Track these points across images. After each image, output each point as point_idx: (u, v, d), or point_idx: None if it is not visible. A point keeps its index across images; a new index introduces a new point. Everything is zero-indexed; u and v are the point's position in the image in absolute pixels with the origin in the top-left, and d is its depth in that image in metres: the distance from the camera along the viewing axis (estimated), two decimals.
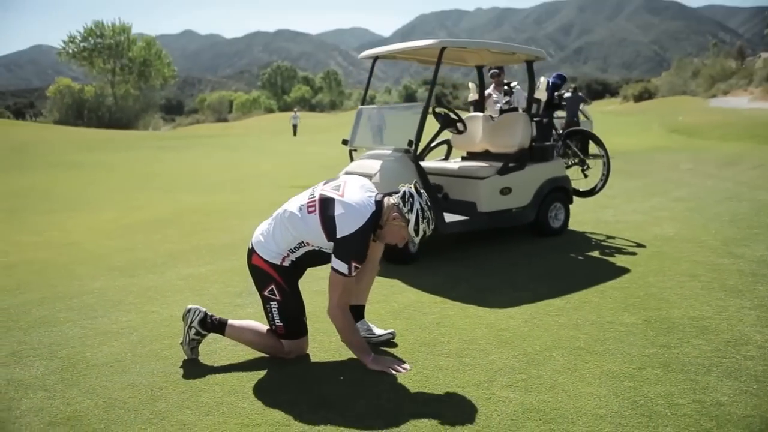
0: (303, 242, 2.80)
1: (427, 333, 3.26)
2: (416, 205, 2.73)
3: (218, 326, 2.93)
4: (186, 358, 2.93)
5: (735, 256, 4.66)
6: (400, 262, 4.64)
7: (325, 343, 3.13)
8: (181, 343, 2.96)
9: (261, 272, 2.87)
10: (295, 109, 40.93)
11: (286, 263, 2.85)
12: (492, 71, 7.61)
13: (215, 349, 3.05)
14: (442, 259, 4.89)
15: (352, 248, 2.67)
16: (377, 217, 2.75)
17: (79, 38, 49.84)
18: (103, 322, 3.51)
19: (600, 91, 77.44)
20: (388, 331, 3.16)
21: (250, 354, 2.99)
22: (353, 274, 2.70)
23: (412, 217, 2.72)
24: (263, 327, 2.99)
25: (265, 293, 2.87)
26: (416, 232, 2.75)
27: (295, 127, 32.76)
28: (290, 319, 2.86)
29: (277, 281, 2.83)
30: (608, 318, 3.40)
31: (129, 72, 51.22)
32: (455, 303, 3.76)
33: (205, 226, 6.54)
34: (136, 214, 7.37)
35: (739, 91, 47.18)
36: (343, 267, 2.67)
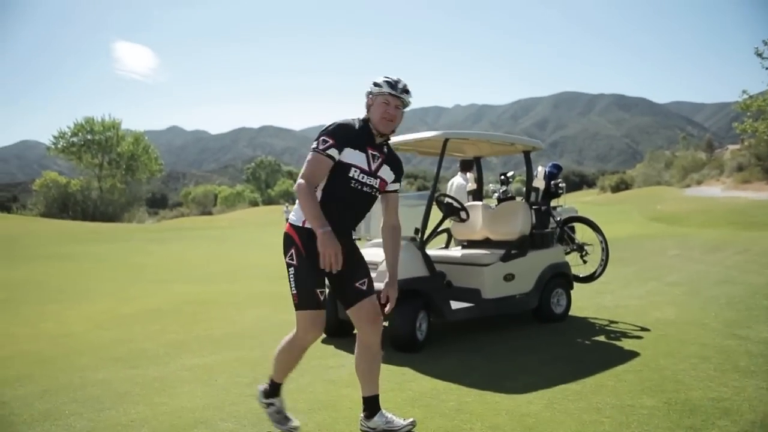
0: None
1: (448, 420, 3.21)
2: (372, 82, 3.03)
3: (272, 387, 3.13)
4: None
5: (740, 338, 4.71)
6: (409, 350, 4.60)
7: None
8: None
9: (287, 237, 3.02)
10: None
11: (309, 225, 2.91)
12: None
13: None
14: (449, 346, 4.85)
15: (326, 129, 2.93)
16: (365, 121, 3.02)
17: (69, 134, 50.65)
18: (112, 415, 3.39)
19: (578, 182, 79.83)
20: (409, 420, 3.09)
21: None
22: (321, 148, 2.87)
23: (372, 85, 3.00)
24: (279, 345, 3.10)
25: (287, 259, 2.98)
26: (380, 86, 2.95)
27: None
28: (303, 286, 2.91)
29: (297, 245, 2.95)
30: (628, 401, 3.38)
31: (116, 166, 51.81)
32: (471, 389, 3.71)
33: (203, 316, 6.45)
34: (131, 304, 7.26)
35: (712, 181, 48.83)
36: (314, 143, 2.91)
